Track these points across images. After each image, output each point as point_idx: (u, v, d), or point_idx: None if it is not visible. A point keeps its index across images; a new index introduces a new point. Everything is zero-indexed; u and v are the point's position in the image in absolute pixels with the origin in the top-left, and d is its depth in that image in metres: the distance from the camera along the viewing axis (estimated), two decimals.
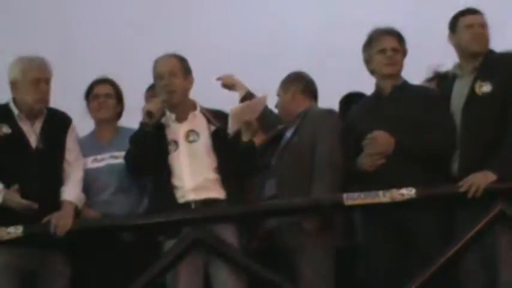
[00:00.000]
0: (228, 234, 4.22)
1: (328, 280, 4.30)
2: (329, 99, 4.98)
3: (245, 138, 4.26)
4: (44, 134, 4.32)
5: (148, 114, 4.26)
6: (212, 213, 4.22)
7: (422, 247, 4.21)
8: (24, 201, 4.11)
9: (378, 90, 4.50)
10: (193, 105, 4.44)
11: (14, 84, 4.31)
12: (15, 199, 4.11)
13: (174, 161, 4.30)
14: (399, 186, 4.14)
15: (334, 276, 4.34)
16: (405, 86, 4.48)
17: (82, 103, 4.73)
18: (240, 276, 4.17)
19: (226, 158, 4.29)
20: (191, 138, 4.34)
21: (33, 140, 4.30)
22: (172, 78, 4.34)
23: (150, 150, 4.28)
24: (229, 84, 4.96)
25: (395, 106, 4.37)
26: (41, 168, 4.25)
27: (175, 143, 4.34)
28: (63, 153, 4.36)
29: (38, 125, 4.34)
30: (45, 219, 4.14)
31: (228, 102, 4.71)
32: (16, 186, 4.13)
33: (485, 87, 4.29)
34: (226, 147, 4.29)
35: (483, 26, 4.41)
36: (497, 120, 4.23)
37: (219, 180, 4.27)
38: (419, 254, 4.20)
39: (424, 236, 4.23)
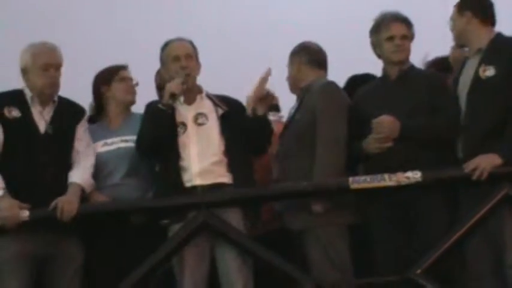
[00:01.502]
0: (235, 218, 4.24)
1: (340, 262, 4.28)
2: None
3: (259, 112, 4.27)
4: (54, 120, 4.34)
5: (172, 95, 4.26)
6: (218, 198, 4.24)
7: (429, 229, 4.21)
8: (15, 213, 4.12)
9: (385, 75, 4.50)
10: (199, 89, 4.46)
11: (24, 70, 4.35)
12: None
13: (182, 143, 4.30)
14: (405, 169, 4.15)
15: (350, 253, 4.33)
16: (412, 70, 4.48)
17: None
18: (246, 260, 4.19)
19: (235, 141, 4.30)
20: (200, 120, 4.35)
21: (42, 125, 4.31)
22: (189, 61, 4.37)
23: (167, 132, 4.27)
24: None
25: (402, 90, 4.37)
26: (49, 153, 4.27)
27: (184, 125, 4.34)
28: (72, 141, 4.37)
29: (49, 110, 4.36)
30: (52, 204, 4.16)
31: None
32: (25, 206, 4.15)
33: (489, 71, 4.28)
34: (235, 130, 4.31)
35: None
36: (501, 104, 4.22)
37: (227, 163, 4.28)
38: (426, 236, 4.21)
39: (431, 219, 4.23)
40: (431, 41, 4.90)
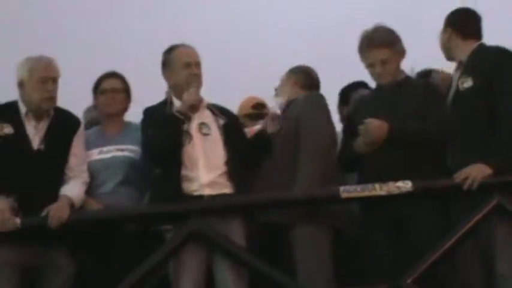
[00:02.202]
0: (233, 225, 4.27)
1: (325, 267, 4.34)
2: None
3: (270, 130, 4.32)
4: (49, 135, 4.35)
5: (192, 107, 4.26)
6: (209, 205, 4.27)
7: (420, 238, 4.23)
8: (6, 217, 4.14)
9: (379, 85, 4.54)
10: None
11: (21, 84, 4.36)
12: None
13: (187, 153, 4.29)
14: (397, 177, 4.18)
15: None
16: (405, 81, 4.51)
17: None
18: (240, 270, 4.21)
19: (234, 152, 4.34)
20: (204, 130, 4.37)
21: (36, 141, 4.33)
22: (198, 68, 4.41)
23: (175, 143, 4.26)
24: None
25: (395, 100, 4.41)
26: (41, 170, 4.27)
27: (188, 134, 4.33)
28: (66, 156, 4.37)
29: (44, 125, 4.36)
30: (43, 212, 4.18)
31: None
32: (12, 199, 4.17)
33: (466, 83, 4.35)
34: (235, 141, 4.36)
35: None
36: (483, 114, 4.26)
37: (227, 173, 4.31)
38: (417, 245, 4.23)
39: (422, 228, 4.25)
40: None
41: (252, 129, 4.74)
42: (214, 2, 8.63)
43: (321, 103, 4.57)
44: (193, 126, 4.35)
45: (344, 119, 4.81)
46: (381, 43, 4.42)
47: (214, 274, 4.25)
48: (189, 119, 4.27)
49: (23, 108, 4.36)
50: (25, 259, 4.21)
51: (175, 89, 4.40)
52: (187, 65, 4.37)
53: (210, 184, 4.26)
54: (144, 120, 4.46)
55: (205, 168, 4.28)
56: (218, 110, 4.46)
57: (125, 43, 8.16)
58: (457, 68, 4.46)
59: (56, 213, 4.17)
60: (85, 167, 4.46)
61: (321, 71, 4.82)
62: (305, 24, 8.20)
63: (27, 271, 4.24)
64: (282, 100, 4.73)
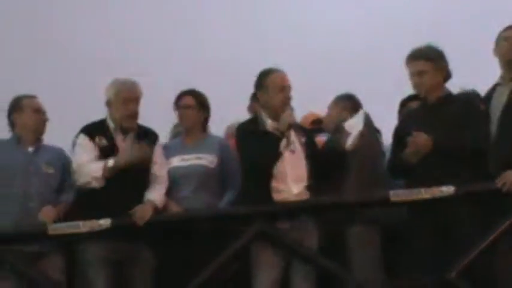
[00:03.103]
0: (308, 227, 4.80)
1: (375, 263, 4.81)
2: None
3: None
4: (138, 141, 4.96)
5: (290, 126, 4.82)
6: (275, 209, 4.80)
7: (462, 237, 4.65)
8: None
9: (424, 100, 5.01)
10: None
11: (108, 103, 4.99)
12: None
13: (277, 167, 4.78)
14: (441, 182, 4.64)
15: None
16: (448, 97, 4.95)
17: None
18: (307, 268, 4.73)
19: (315, 167, 4.87)
20: (292, 147, 4.86)
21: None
22: (290, 92, 4.92)
23: (277, 156, 4.80)
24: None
25: (438, 114, 4.86)
26: (130, 176, 4.85)
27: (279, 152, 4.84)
28: (149, 164, 4.96)
29: (129, 138, 4.97)
30: (131, 212, 4.76)
31: None
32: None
33: None
34: (314, 156, 4.89)
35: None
36: None
37: (308, 186, 4.84)
38: (459, 243, 4.65)
39: (463, 227, 4.66)
40: None
41: (319, 140, 5.28)
42: None
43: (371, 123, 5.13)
44: (282, 144, 4.83)
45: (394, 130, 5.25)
46: (420, 56, 4.90)
47: (288, 267, 4.76)
48: (285, 137, 4.80)
49: (111, 124, 4.97)
50: (115, 254, 4.78)
51: (268, 109, 4.89)
52: (282, 89, 4.88)
53: (298, 195, 4.79)
54: (239, 136, 4.96)
55: (294, 181, 4.80)
56: (297, 127, 4.95)
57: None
58: (509, 80, 4.88)
59: (141, 214, 4.74)
60: (165, 173, 5.02)
61: None
62: None
63: (118, 265, 4.80)
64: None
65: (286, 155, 4.83)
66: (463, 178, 4.70)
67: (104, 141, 4.94)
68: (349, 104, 5.24)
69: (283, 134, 4.80)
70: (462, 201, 4.69)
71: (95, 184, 4.81)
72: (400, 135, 4.95)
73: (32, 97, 5.14)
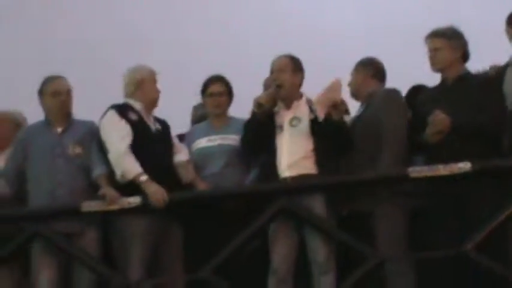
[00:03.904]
0: (317, 203, 4.94)
1: (400, 238, 4.93)
2: None
3: (335, 117, 4.97)
4: (157, 122, 5.25)
5: (258, 105, 5.04)
6: (296, 185, 4.97)
7: (479, 212, 4.79)
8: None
9: (443, 80, 5.14)
10: (299, 96, 5.18)
11: (141, 82, 5.19)
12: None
13: (278, 142, 5.04)
14: (458, 160, 4.77)
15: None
16: (466, 76, 5.09)
17: None
18: (329, 240, 4.88)
19: (323, 141, 4.99)
20: (293, 123, 5.07)
21: (152, 125, 5.20)
22: (280, 73, 5.12)
23: (259, 135, 5.06)
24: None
25: (456, 93, 4.99)
26: (160, 145, 5.14)
27: (281, 127, 5.09)
28: (171, 138, 5.29)
29: (151, 116, 5.25)
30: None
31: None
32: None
33: None
34: (322, 131, 5.00)
35: None
36: None
37: (314, 159, 4.99)
38: (476, 217, 4.78)
39: (480, 203, 4.81)
40: None
41: None
42: None
43: (398, 99, 5.19)
44: (285, 120, 5.07)
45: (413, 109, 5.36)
46: (436, 34, 5.07)
47: (306, 242, 4.92)
48: (259, 115, 5.00)
49: (137, 104, 5.19)
50: (156, 228, 4.99)
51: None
52: (272, 72, 5.15)
53: (289, 166, 4.95)
54: None
55: (287, 155, 4.98)
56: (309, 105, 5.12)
57: None
58: None
59: (155, 196, 4.90)
60: (186, 152, 5.31)
61: None
62: None
63: (157, 238, 5.01)
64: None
65: (286, 130, 5.04)
66: (480, 156, 4.82)
67: (135, 117, 5.14)
68: (371, 69, 5.32)
69: (258, 114, 5.01)
70: (479, 177, 4.81)
71: (122, 180, 4.99)
72: (419, 114, 5.08)
73: (53, 79, 5.24)
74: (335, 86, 5.00)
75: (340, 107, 4.98)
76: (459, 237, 4.79)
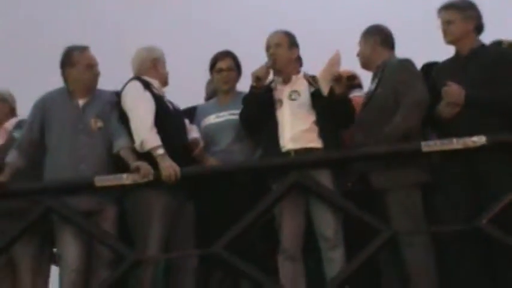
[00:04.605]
0: (326, 178, 4.93)
1: (415, 213, 4.86)
2: None
3: (338, 91, 4.96)
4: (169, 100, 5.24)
5: (256, 78, 5.06)
6: (308, 159, 4.94)
7: (495, 185, 4.75)
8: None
9: (457, 52, 5.09)
10: (297, 71, 5.22)
11: (157, 60, 5.20)
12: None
13: (279, 117, 5.06)
14: (472, 134, 4.72)
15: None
16: (481, 49, 5.03)
17: None
18: (336, 212, 4.86)
19: (325, 114, 4.99)
20: (293, 96, 5.09)
21: (169, 103, 5.18)
22: (277, 48, 5.14)
23: (259, 109, 5.08)
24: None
25: (471, 66, 4.94)
26: (178, 124, 5.16)
27: (280, 101, 5.11)
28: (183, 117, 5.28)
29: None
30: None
31: None
32: None
33: None
34: (324, 104, 4.99)
35: None
36: None
37: (317, 132, 4.98)
38: (492, 190, 4.74)
39: (495, 177, 4.77)
40: None
41: (354, 97, 5.38)
42: None
43: (413, 68, 5.08)
44: (284, 94, 5.10)
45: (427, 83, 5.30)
46: (448, 6, 5.03)
47: (313, 218, 4.91)
48: (258, 89, 5.03)
49: (153, 81, 5.16)
50: (174, 204, 4.97)
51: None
52: (267, 47, 5.16)
53: (293, 139, 4.95)
54: None
55: (290, 128, 4.98)
56: (314, 80, 5.13)
57: None
58: None
59: (167, 172, 4.86)
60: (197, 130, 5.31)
61: None
62: None
63: (174, 214, 4.99)
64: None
65: (286, 103, 5.06)
66: (495, 130, 4.78)
67: (156, 91, 5.12)
68: (379, 37, 5.24)
69: (256, 88, 5.04)
70: (493, 151, 4.77)
71: (140, 150, 4.93)
72: (433, 88, 5.01)
73: (84, 49, 5.15)
74: (335, 60, 4.98)
75: (341, 80, 4.96)
76: (473, 213, 4.76)
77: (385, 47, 5.23)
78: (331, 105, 4.96)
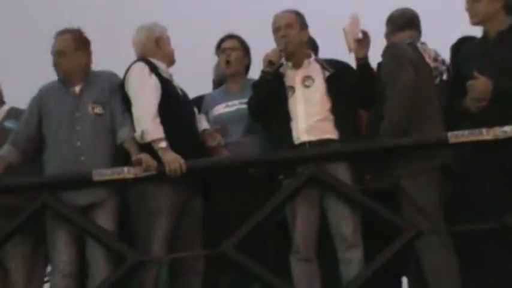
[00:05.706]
0: (342, 171, 4.62)
1: (429, 210, 4.55)
2: None
3: (360, 53, 4.64)
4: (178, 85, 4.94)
5: (269, 63, 4.72)
6: (325, 152, 4.64)
7: None
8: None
9: (484, 35, 4.76)
10: (308, 54, 4.88)
11: (159, 39, 4.88)
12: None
13: (291, 105, 4.73)
14: (503, 124, 4.41)
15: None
16: (509, 30, 4.69)
17: None
18: (354, 208, 4.57)
19: (341, 101, 4.70)
20: (307, 83, 4.77)
21: (177, 88, 4.89)
22: (288, 29, 4.80)
23: (270, 96, 4.75)
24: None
25: (499, 50, 4.63)
26: (187, 110, 4.87)
27: (292, 88, 4.78)
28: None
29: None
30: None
31: None
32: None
33: None
34: (341, 90, 4.70)
35: None
36: None
37: (333, 120, 4.68)
38: None
39: None
40: None
41: None
42: None
43: (396, 53, 4.74)
44: (296, 80, 4.77)
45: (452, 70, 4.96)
46: None
47: (328, 216, 4.61)
48: (270, 75, 4.70)
49: (160, 64, 4.85)
50: (180, 201, 4.70)
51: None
52: (277, 29, 4.82)
53: (308, 130, 4.65)
54: None
55: (305, 118, 4.67)
56: (327, 63, 4.82)
57: None
58: None
59: (172, 166, 4.57)
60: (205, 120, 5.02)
61: None
62: None
63: (179, 211, 4.73)
64: None
65: (299, 91, 4.76)
66: None
67: (164, 74, 4.84)
68: (400, 21, 4.93)
69: (268, 73, 4.73)
70: None
71: (140, 141, 4.67)
72: (459, 74, 4.71)
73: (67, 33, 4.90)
74: (353, 23, 4.67)
75: (362, 42, 4.65)
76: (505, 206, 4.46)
77: (408, 29, 4.92)
78: (362, 75, 4.66)
